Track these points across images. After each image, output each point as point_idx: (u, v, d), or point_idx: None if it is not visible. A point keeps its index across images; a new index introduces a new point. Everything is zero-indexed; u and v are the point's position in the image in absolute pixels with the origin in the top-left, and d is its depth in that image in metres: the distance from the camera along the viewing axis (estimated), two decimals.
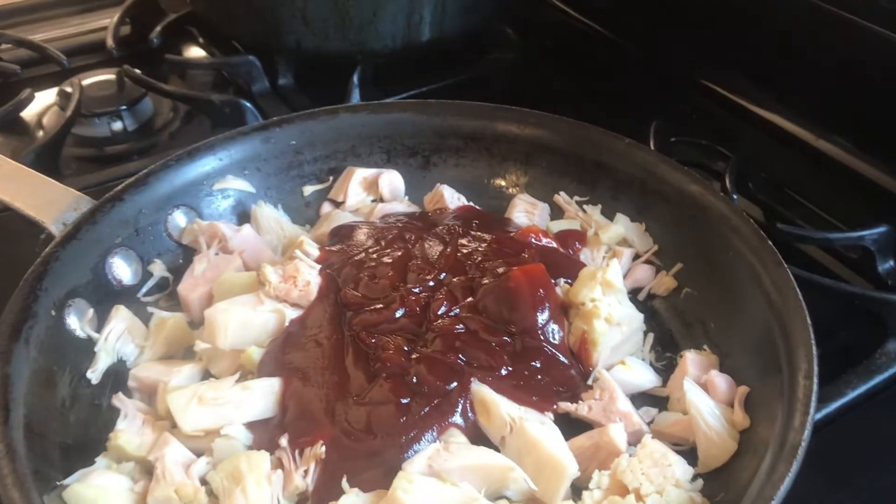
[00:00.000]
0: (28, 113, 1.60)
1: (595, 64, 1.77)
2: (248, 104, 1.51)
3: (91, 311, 1.01)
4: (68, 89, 1.58)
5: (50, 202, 1.07)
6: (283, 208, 1.22)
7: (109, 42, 1.71)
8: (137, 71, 1.59)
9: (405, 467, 0.84)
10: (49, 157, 1.41)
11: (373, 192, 1.24)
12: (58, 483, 0.84)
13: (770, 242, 0.99)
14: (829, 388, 0.99)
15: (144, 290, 1.10)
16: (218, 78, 1.74)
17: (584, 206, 1.19)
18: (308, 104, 1.41)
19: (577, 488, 0.87)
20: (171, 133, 1.61)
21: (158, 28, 1.75)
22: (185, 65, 1.71)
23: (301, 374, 0.94)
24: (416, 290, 1.02)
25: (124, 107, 1.58)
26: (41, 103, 1.63)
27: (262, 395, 0.92)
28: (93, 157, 1.54)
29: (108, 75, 1.66)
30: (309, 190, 1.25)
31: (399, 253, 1.07)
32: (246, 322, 0.98)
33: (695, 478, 0.87)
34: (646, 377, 0.98)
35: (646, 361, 1.02)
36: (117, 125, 1.59)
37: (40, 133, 1.57)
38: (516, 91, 1.35)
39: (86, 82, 1.60)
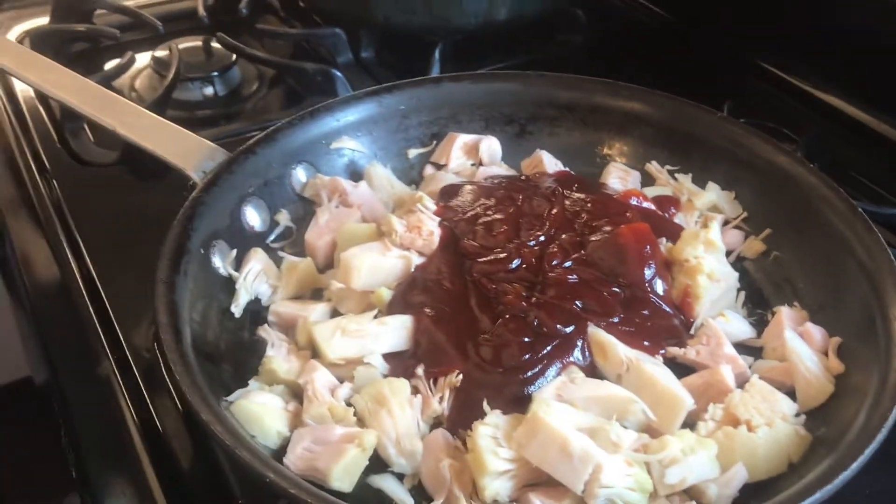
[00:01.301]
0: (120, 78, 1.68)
1: (660, 49, 1.85)
2: (339, 74, 1.59)
3: (233, 252, 1.10)
4: (161, 54, 1.67)
5: (189, 152, 1.15)
6: (390, 169, 1.31)
7: (201, 11, 1.79)
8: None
9: (538, 394, 0.93)
10: None
11: (472, 157, 1.33)
12: (223, 399, 0.93)
13: (860, 210, 1.07)
14: None
15: (272, 236, 1.19)
16: (297, 49, 1.82)
17: (675, 175, 1.28)
18: (390, 77, 1.49)
19: (687, 422, 0.96)
20: (257, 100, 1.69)
21: None
22: (275, 35, 1.79)
23: (430, 314, 1.03)
24: (530, 244, 1.10)
25: (216, 73, 1.67)
26: (132, 68, 1.71)
27: (397, 330, 1.01)
28: (185, 118, 1.61)
29: (195, 42, 1.74)
30: (413, 153, 1.34)
31: (511, 210, 1.15)
32: (377, 265, 1.07)
33: (798, 414, 0.96)
34: (742, 328, 1.07)
35: (740, 315, 1.10)
36: (209, 90, 1.67)
37: (133, 95, 1.66)
38: (584, 73, 1.44)
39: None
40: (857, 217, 1.07)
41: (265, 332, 1.04)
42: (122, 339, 1.11)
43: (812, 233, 1.12)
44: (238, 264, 1.11)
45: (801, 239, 1.14)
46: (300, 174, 1.24)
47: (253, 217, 1.17)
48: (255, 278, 1.10)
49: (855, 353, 0.99)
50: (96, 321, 1.14)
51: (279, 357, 1.00)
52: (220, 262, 1.09)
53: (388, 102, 1.30)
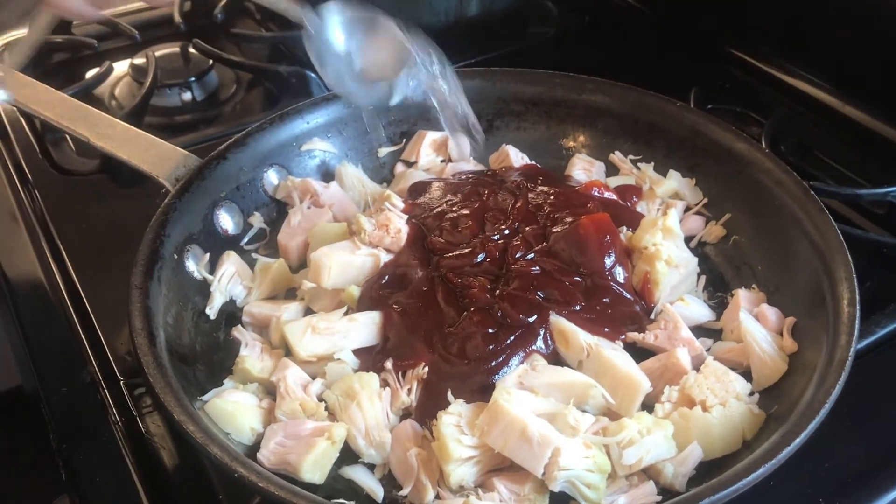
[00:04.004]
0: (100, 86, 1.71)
1: (631, 38, 1.88)
2: (313, 75, 1.62)
3: (207, 256, 1.14)
4: (139, 62, 1.70)
5: (162, 159, 1.19)
6: (361, 168, 1.34)
7: (177, 18, 1.82)
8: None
9: (500, 383, 0.96)
10: (134, 125, 1.52)
11: (442, 153, 1.36)
12: (198, 398, 0.97)
13: (812, 192, 1.11)
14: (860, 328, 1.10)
15: (246, 239, 1.23)
16: (274, 51, 1.85)
17: (638, 164, 1.31)
18: None
19: (646, 404, 0.99)
20: (234, 104, 1.72)
21: (221, 4, 1.85)
22: (251, 39, 1.82)
23: (398, 309, 1.06)
24: (495, 238, 1.14)
25: (193, 78, 1.70)
26: (112, 76, 1.73)
27: (366, 326, 1.05)
28: (165, 125, 1.65)
29: (172, 48, 1.77)
30: (384, 152, 1.37)
31: (476, 205, 1.18)
32: (346, 264, 1.10)
33: (751, 394, 0.99)
34: (702, 312, 1.11)
35: (700, 299, 1.14)
36: (187, 95, 1.70)
37: (113, 103, 1.69)
38: (556, 64, 1.46)
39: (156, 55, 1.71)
40: (810, 199, 1.10)
41: (239, 332, 1.07)
42: (104, 344, 1.14)
43: (769, 216, 1.16)
44: (212, 267, 1.15)
45: (759, 222, 1.18)
46: (272, 177, 1.27)
47: (226, 221, 1.20)
48: (229, 280, 1.13)
49: (808, 331, 1.03)
50: (79, 328, 1.18)
51: (253, 356, 1.03)
52: (194, 266, 1.13)
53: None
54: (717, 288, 1.17)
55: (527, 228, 1.15)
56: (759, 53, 1.71)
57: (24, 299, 1.25)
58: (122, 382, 1.09)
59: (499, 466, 0.93)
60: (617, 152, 1.33)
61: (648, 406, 0.99)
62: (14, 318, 1.23)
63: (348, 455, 0.97)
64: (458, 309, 1.06)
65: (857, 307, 0.96)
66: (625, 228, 1.17)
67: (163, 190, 1.16)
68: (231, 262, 1.15)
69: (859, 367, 0.93)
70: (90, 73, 1.70)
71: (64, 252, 1.28)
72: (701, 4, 1.81)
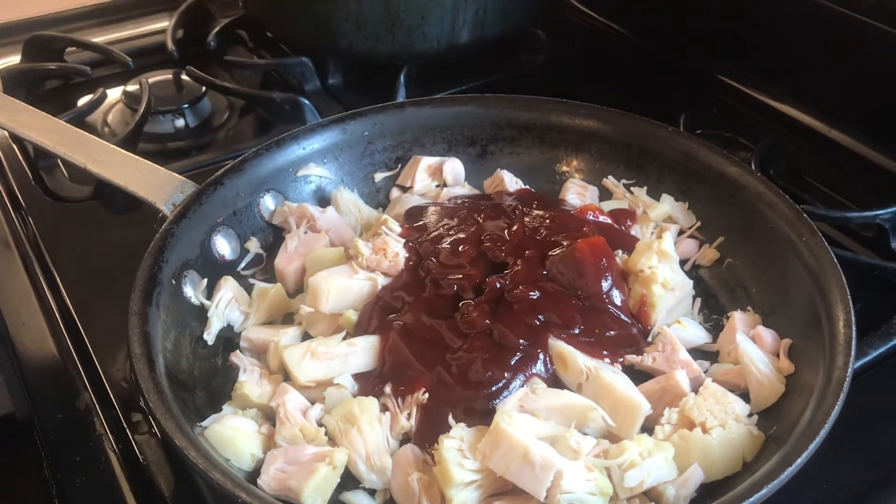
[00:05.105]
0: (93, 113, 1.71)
1: (621, 65, 1.91)
2: (307, 101, 1.63)
3: (204, 282, 1.14)
4: (132, 88, 1.70)
5: (159, 186, 1.19)
6: (357, 193, 1.35)
7: (170, 45, 1.83)
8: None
9: (501, 407, 0.96)
10: (128, 151, 1.52)
11: (437, 178, 1.37)
12: (197, 424, 0.96)
13: (805, 215, 1.12)
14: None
15: (243, 264, 1.23)
16: (266, 78, 1.86)
17: (631, 188, 1.33)
18: (357, 102, 1.52)
19: (646, 427, 1.00)
20: (227, 130, 1.72)
21: (214, 32, 1.87)
22: (244, 66, 1.83)
23: (396, 333, 1.06)
24: (492, 261, 1.14)
25: (186, 105, 1.70)
26: (105, 103, 1.74)
27: (365, 350, 1.05)
28: (158, 151, 1.65)
29: (165, 75, 1.78)
30: (379, 177, 1.38)
31: (472, 229, 1.19)
32: (344, 288, 1.10)
33: (750, 415, 1.00)
34: (698, 334, 1.12)
35: (696, 322, 1.15)
36: (180, 122, 1.70)
37: (107, 130, 1.69)
38: (547, 91, 1.48)
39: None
40: (803, 222, 1.11)
41: (237, 357, 1.07)
42: (100, 370, 1.14)
43: (762, 239, 1.17)
44: (209, 293, 1.15)
45: (753, 245, 1.19)
46: (268, 202, 1.28)
47: (223, 246, 1.21)
48: (226, 306, 1.13)
49: (804, 352, 1.04)
50: (75, 354, 1.17)
51: (251, 381, 1.03)
52: (192, 292, 1.12)
53: (353, 129, 1.35)
54: (713, 310, 1.18)
55: (524, 252, 1.16)
56: (748, 79, 1.74)
57: (17, 326, 1.24)
58: (118, 408, 1.08)
59: (501, 490, 0.92)
60: (610, 177, 1.35)
61: (648, 428, 0.99)
62: (8, 345, 1.22)
63: (349, 480, 0.96)
64: (456, 334, 1.06)
65: (853, 328, 0.97)
66: (620, 252, 1.18)
67: (160, 215, 1.16)
68: (228, 288, 1.14)
69: (852, 389, 0.93)
70: (83, 100, 1.71)
71: (58, 278, 1.28)
72: (690, 32, 1.84)
